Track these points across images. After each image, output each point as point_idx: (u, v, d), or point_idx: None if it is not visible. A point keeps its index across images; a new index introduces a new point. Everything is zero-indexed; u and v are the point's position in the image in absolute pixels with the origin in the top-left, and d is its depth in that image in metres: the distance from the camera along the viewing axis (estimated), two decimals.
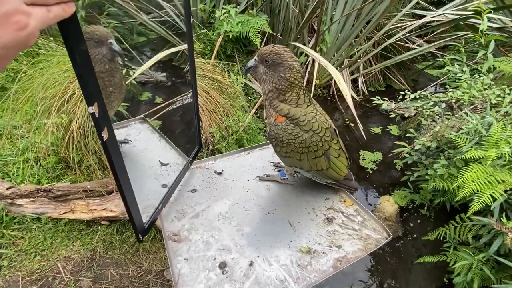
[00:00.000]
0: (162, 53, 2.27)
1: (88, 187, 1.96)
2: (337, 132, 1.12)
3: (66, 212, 1.88)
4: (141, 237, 0.94)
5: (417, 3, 3.27)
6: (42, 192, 1.85)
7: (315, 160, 1.04)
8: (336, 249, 0.97)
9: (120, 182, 0.75)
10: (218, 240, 1.00)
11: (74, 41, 0.50)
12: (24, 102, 2.13)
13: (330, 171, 1.08)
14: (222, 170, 1.28)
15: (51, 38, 2.94)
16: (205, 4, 3.07)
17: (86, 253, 1.78)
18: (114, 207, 1.91)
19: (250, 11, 2.97)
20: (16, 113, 2.26)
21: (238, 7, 3.02)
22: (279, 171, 1.29)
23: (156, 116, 2.32)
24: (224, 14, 2.80)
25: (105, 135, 0.63)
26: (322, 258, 0.95)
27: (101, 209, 1.91)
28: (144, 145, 1.54)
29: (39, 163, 2.06)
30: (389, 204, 2.19)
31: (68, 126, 2.01)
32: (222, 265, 0.92)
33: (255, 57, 1.00)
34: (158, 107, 2.40)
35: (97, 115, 0.60)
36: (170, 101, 2.35)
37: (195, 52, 2.83)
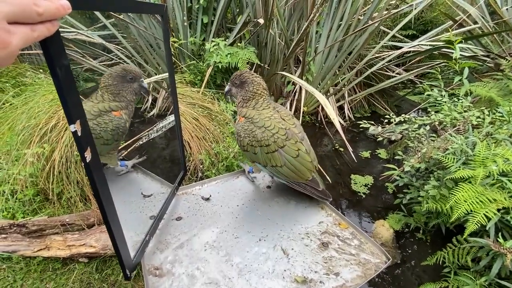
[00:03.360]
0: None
1: (67, 220, 1.82)
2: (305, 137, 1.23)
3: (41, 250, 1.72)
4: (128, 273, 0.83)
5: (394, 36, 3.52)
6: (15, 227, 1.71)
7: (268, 155, 1.14)
8: (333, 277, 0.90)
9: (105, 209, 0.68)
10: (205, 273, 0.92)
11: (55, 55, 0.48)
12: (5, 131, 2.05)
13: (285, 169, 1.14)
14: (210, 196, 1.22)
15: (41, 70, 2.95)
16: (195, 38, 3.20)
17: None
18: (95, 241, 1.77)
19: (239, 44, 3.11)
20: None
21: (227, 40, 3.15)
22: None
23: (129, 149, 2.13)
24: (213, 46, 2.91)
25: (88, 155, 0.59)
26: None
27: (80, 244, 1.77)
28: (121, 181, 1.44)
29: (15, 196, 1.93)
30: (384, 229, 2.13)
31: (49, 156, 1.93)
32: None
33: (228, 83, 1.25)
34: (128, 142, 2.21)
35: (79, 133, 0.56)
36: (138, 136, 2.16)
37: (185, 81, 2.88)
